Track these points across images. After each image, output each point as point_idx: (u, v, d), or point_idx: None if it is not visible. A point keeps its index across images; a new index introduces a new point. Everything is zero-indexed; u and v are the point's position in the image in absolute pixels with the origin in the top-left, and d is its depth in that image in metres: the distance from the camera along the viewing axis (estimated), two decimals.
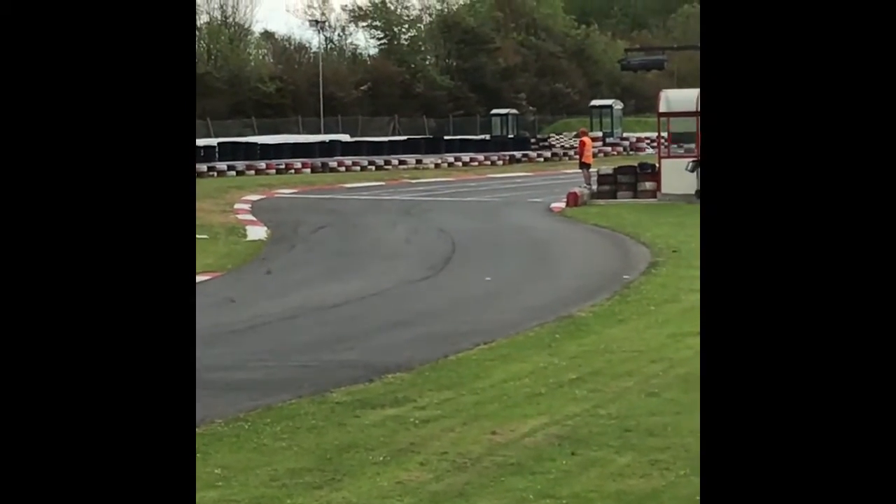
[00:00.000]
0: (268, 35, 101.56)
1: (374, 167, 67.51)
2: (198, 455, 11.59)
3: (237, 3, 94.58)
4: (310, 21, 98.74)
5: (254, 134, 75.81)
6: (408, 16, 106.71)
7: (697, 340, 16.96)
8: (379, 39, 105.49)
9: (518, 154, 76.40)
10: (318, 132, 79.56)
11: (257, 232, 35.50)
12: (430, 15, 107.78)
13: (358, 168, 66.88)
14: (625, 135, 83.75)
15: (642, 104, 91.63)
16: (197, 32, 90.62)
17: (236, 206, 44.14)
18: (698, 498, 10.06)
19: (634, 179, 43.95)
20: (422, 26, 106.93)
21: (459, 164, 71.32)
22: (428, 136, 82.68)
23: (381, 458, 11.44)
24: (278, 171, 62.65)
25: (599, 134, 78.30)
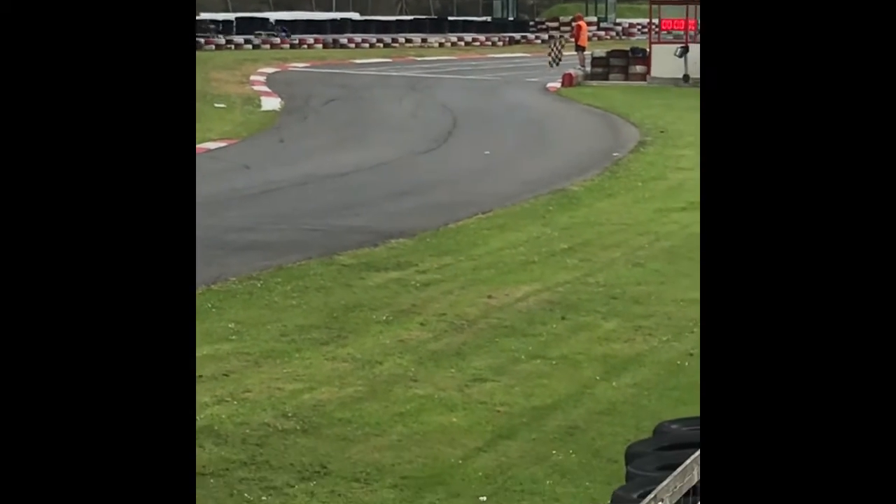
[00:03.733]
0: None
1: (381, 45, 66.94)
2: (213, 311, 11.64)
3: None
4: None
5: (269, 10, 75.12)
6: None
7: (682, 216, 17.04)
8: None
9: (517, 36, 75.82)
10: (330, 10, 78.87)
11: (271, 103, 35.27)
12: None
13: (367, 45, 66.33)
14: (618, 20, 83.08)
15: None
16: None
17: (252, 77, 43.83)
18: (678, 362, 10.14)
19: (626, 63, 43.65)
20: None
21: (462, 43, 70.75)
22: (433, 16, 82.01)
23: (384, 318, 11.46)
24: (292, 46, 62.16)
25: (594, 19, 77.69)
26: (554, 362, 10.12)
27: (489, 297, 12.27)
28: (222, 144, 26.06)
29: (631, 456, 6.36)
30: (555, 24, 78.34)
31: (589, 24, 61.79)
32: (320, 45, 63.82)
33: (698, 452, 4.87)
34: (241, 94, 37.38)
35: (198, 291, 12.30)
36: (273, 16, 68.87)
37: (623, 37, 77.97)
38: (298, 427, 8.60)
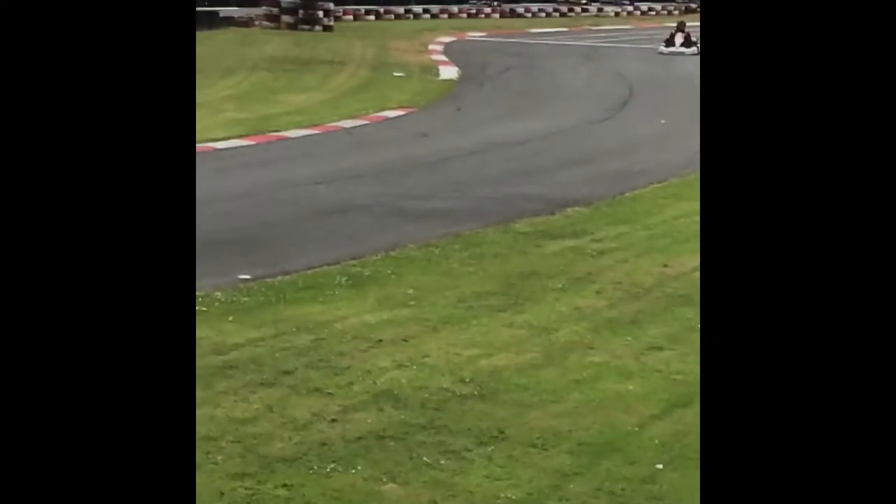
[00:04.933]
0: None
1: (558, 14, 66.69)
2: (392, 276, 11.74)
3: None
4: None
5: None
6: None
7: None
8: None
9: (694, 5, 74.99)
10: None
11: (449, 72, 35.36)
12: None
13: (543, 14, 66.09)
14: None
15: None
16: None
17: (430, 47, 43.97)
18: None
19: None
20: None
21: (638, 13, 70.26)
22: None
23: (560, 286, 11.46)
24: (469, 16, 62.25)
25: None
26: None
27: (665, 265, 12.20)
28: (401, 113, 26.22)
29: None
30: None
31: None
32: (497, 15, 63.76)
33: None
34: (419, 63, 37.55)
35: (376, 258, 12.44)
36: None
37: None
38: (476, 392, 8.65)
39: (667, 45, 41.79)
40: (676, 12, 71.95)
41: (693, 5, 74.16)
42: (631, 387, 8.86)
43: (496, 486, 7.21)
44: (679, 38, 42.12)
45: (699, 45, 36.80)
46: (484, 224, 14.25)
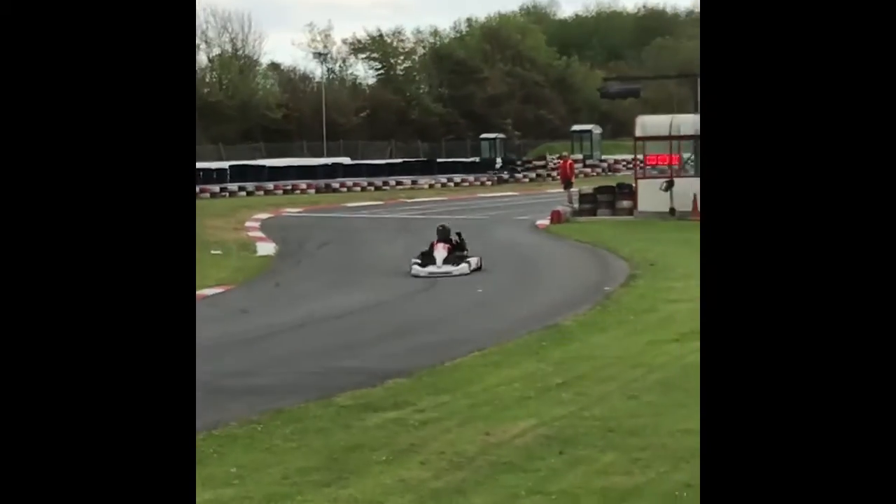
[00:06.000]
0: (275, 66, 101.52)
1: (373, 188, 67.50)
2: (214, 455, 11.56)
3: (246, 37, 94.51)
4: (313, 53, 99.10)
5: (262, 157, 75.76)
6: (403, 48, 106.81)
7: (674, 347, 17.00)
8: (377, 70, 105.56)
9: (505, 175, 76.43)
10: (322, 155, 79.53)
11: (266, 248, 35.41)
12: (424, 47, 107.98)
13: (358, 189, 66.85)
14: (603, 157, 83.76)
15: (619, 129, 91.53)
16: (210, 64, 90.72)
17: (247, 223, 44.06)
18: (676, 493, 10.08)
19: (613, 198, 43.99)
20: (416, 58, 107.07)
21: (451, 184, 71.36)
22: (422, 158, 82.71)
23: (385, 458, 11.40)
24: (285, 192, 62.63)
25: (580, 156, 78.32)
26: (553, 497, 10.05)
27: (487, 433, 12.21)
28: (219, 290, 26.11)
29: None
30: (542, 163, 78.96)
31: (575, 161, 62.35)
32: (313, 190, 64.22)
33: None
34: (236, 240, 37.54)
35: (199, 437, 12.25)
36: (266, 163, 69.47)
37: (609, 173, 78.62)
38: None
39: (422, 265, 27.51)
40: (489, 183, 73.24)
41: (504, 176, 75.58)
42: None
43: None
44: (440, 252, 27.80)
45: (474, 259, 28.34)
46: (306, 399, 14.16)
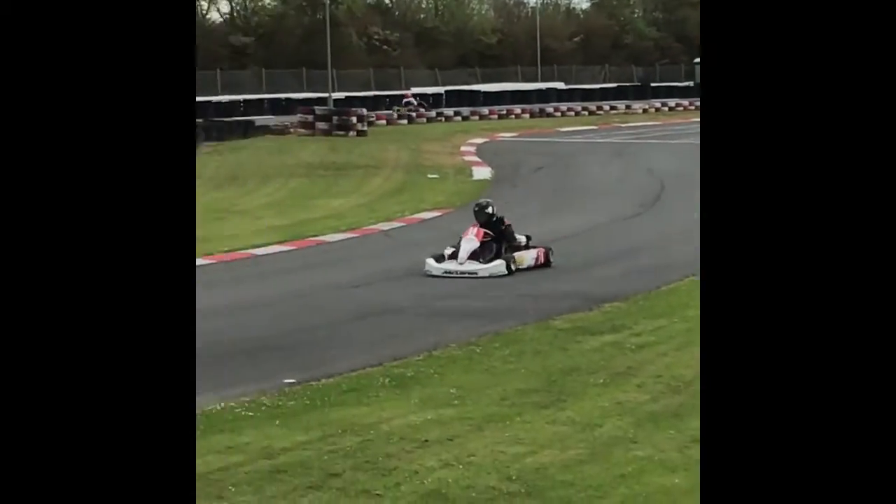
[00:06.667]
0: None
1: (586, 112, 67.08)
2: (435, 376, 11.73)
3: None
4: None
5: (477, 82, 75.94)
6: None
7: None
8: None
9: None
10: (536, 80, 79.42)
11: (482, 172, 35.55)
12: None
13: (572, 113, 66.51)
14: None
15: None
16: None
17: (462, 148, 44.26)
18: None
19: None
20: None
21: (665, 108, 70.52)
22: (636, 83, 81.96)
23: (601, 381, 11.42)
24: (500, 117, 62.63)
25: None
26: None
27: None
28: (437, 214, 26.36)
29: None
30: None
31: None
32: (527, 115, 64.13)
33: None
34: (452, 165, 37.77)
35: (418, 358, 12.44)
36: (481, 88, 69.64)
37: None
38: (523, 490, 8.60)
39: (437, 260, 18.92)
40: None
41: None
42: (676, 480, 8.78)
43: None
44: (469, 241, 19.23)
45: (529, 254, 19.16)
46: (522, 322, 14.24)
